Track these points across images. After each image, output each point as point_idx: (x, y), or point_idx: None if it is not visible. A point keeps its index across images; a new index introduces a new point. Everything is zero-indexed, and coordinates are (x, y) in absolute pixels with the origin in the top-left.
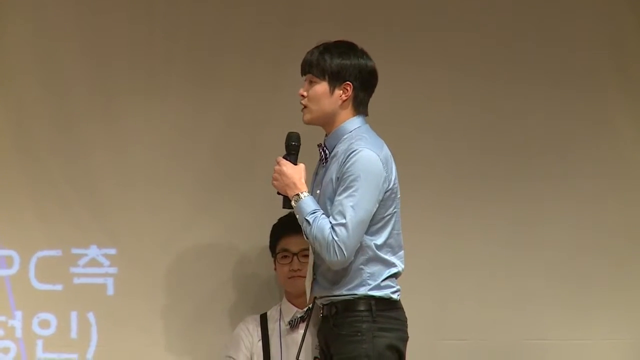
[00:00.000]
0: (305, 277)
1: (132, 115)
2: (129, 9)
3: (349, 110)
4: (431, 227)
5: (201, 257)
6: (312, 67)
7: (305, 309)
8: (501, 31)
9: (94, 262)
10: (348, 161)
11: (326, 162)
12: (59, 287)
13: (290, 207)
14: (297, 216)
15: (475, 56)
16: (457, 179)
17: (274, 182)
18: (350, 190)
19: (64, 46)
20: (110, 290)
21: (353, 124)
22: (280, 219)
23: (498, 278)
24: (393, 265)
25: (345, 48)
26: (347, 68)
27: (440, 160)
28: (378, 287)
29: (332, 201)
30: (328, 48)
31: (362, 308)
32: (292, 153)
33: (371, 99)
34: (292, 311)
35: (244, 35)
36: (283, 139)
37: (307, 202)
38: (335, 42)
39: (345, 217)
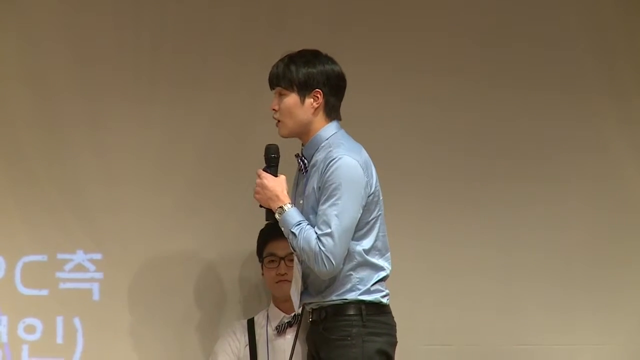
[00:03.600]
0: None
1: (118, 119)
2: (115, 13)
3: (322, 117)
4: (416, 232)
5: (187, 262)
6: (279, 80)
7: (292, 314)
8: (488, 35)
9: (79, 267)
10: (328, 170)
11: (306, 172)
12: (44, 292)
13: (274, 219)
14: (283, 229)
15: (462, 60)
16: (444, 183)
17: (256, 195)
18: (333, 199)
19: (50, 49)
20: (96, 296)
21: (328, 131)
22: (267, 224)
23: (485, 283)
24: (382, 268)
25: (310, 56)
26: (314, 76)
27: (427, 164)
28: (368, 291)
29: (315, 211)
30: (292, 59)
31: (352, 312)
32: (272, 165)
33: (357, 103)
34: (279, 316)
35: (230, 38)
36: (270, 141)
37: (291, 214)
38: (299, 51)
39: (330, 227)
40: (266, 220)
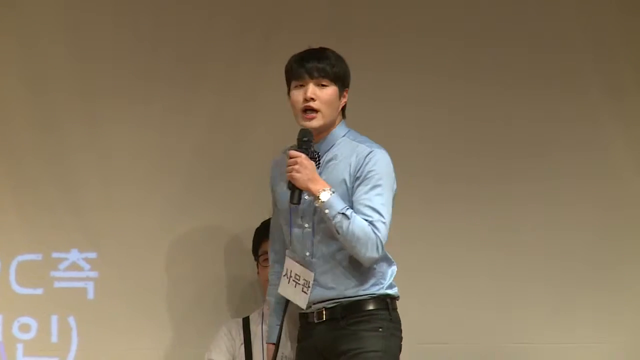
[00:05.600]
0: None
1: (115, 118)
2: (113, 13)
3: (340, 115)
4: (412, 230)
5: (183, 260)
6: (324, 71)
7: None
8: (483, 35)
9: (74, 266)
10: (368, 161)
11: (319, 167)
12: (39, 291)
13: (299, 202)
14: (326, 211)
15: (458, 60)
16: (441, 183)
17: (296, 174)
18: (379, 189)
19: (48, 49)
20: (91, 294)
21: (343, 128)
22: (263, 223)
23: (481, 281)
24: (393, 263)
25: (340, 55)
26: (348, 74)
27: (423, 164)
28: (390, 285)
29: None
30: (334, 53)
31: (379, 306)
32: (304, 148)
33: (355, 104)
34: None
35: (227, 38)
36: (266, 142)
37: (338, 197)
38: (327, 48)
39: (382, 214)
40: (292, 202)
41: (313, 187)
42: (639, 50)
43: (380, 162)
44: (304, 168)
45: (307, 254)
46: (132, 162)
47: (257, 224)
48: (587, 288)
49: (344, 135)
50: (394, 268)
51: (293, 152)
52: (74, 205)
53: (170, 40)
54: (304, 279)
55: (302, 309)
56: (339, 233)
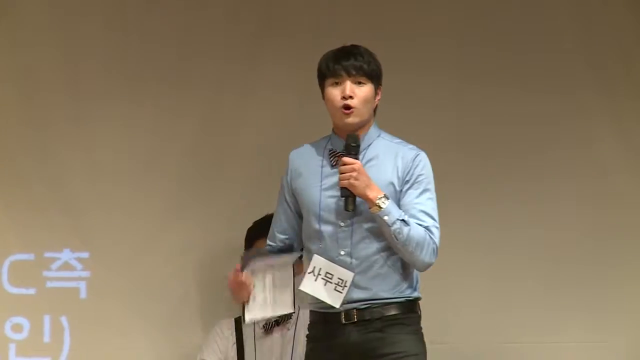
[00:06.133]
0: None
1: (106, 118)
2: (103, 12)
3: (372, 114)
4: None
5: (175, 260)
6: (362, 70)
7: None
8: (480, 35)
9: (66, 266)
10: (417, 163)
11: None
12: (31, 291)
13: (354, 209)
14: (385, 217)
15: (455, 60)
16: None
17: (354, 181)
18: (429, 194)
19: (38, 48)
20: (83, 294)
21: (376, 128)
22: (256, 222)
23: (474, 281)
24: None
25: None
26: (382, 72)
27: None
28: (417, 289)
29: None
30: (368, 50)
31: (413, 309)
32: (352, 154)
33: None
34: None
35: (218, 38)
36: (257, 141)
37: (394, 203)
38: (359, 45)
39: (435, 220)
40: (347, 209)
41: (370, 194)
42: (630, 49)
43: (427, 166)
44: (361, 175)
45: (342, 252)
46: (124, 162)
47: (249, 223)
48: (578, 287)
49: (379, 136)
50: (416, 272)
51: (348, 159)
52: (66, 206)
53: (161, 39)
54: (339, 278)
55: (335, 308)
56: (397, 239)
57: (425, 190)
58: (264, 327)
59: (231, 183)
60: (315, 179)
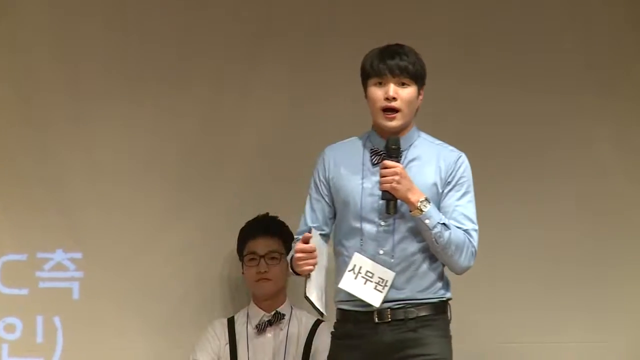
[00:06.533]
0: (272, 279)
1: (105, 117)
2: (103, 12)
3: (413, 115)
4: None
5: (168, 260)
6: (406, 71)
7: (272, 313)
8: (480, 35)
9: (59, 266)
10: (459, 166)
11: None
12: (24, 291)
13: (395, 212)
14: (427, 221)
15: (455, 60)
16: None
17: (396, 185)
18: (469, 196)
19: (38, 48)
20: (76, 295)
21: (416, 128)
22: (248, 222)
23: (471, 281)
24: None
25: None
26: (425, 73)
27: None
28: (449, 289)
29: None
30: (413, 50)
31: (444, 310)
32: (394, 157)
33: (352, 102)
34: (259, 315)
35: (217, 38)
36: (255, 141)
37: (434, 206)
38: (404, 45)
39: (475, 223)
40: (388, 212)
41: (412, 197)
42: (630, 49)
43: (468, 169)
44: (403, 178)
45: (381, 252)
46: (122, 162)
47: (243, 223)
48: (577, 286)
49: (419, 136)
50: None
51: (389, 163)
52: (59, 206)
53: (160, 38)
54: (379, 277)
55: (368, 307)
56: (437, 243)
57: (466, 193)
58: (256, 327)
59: (230, 183)
60: (356, 177)
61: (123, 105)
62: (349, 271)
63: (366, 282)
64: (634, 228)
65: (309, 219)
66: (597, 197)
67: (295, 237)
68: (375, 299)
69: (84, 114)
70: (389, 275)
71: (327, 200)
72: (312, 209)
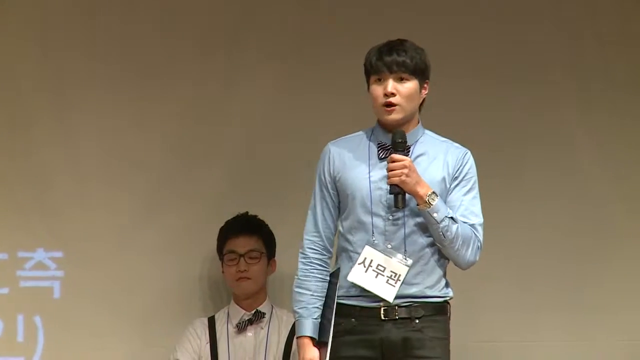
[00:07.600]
0: (252, 278)
1: (84, 115)
2: (82, 5)
3: (418, 110)
4: None
5: (148, 259)
6: (404, 66)
7: (252, 312)
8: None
9: (40, 265)
10: (466, 162)
11: None
12: (5, 290)
13: (404, 206)
14: (435, 215)
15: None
16: None
17: (405, 178)
18: (474, 192)
19: (14, 41)
20: (57, 294)
21: (422, 126)
22: (228, 221)
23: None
24: None
25: (419, 46)
26: (429, 67)
27: None
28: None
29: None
30: (413, 45)
31: (447, 311)
32: (400, 150)
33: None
34: (239, 313)
35: (199, 29)
36: (238, 138)
37: (442, 200)
38: (405, 40)
39: (481, 218)
40: (397, 206)
41: (420, 190)
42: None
43: (474, 165)
44: (412, 172)
45: (389, 246)
46: (99, 161)
47: (223, 221)
48: (554, 286)
49: (425, 132)
50: None
51: (398, 156)
52: (39, 204)
53: (142, 32)
54: (391, 271)
55: (388, 301)
56: (444, 237)
57: (472, 189)
58: (237, 326)
59: (212, 181)
60: (363, 171)
61: (105, 103)
62: (359, 264)
63: (377, 276)
64: (613, 227)
65: (321, 225)
66: (579, 195)
67: (304, 237)
68: (388, 293)
69: (64, 110)
70: (402, 269)
71: (334, 200)
72: (322, 213)
